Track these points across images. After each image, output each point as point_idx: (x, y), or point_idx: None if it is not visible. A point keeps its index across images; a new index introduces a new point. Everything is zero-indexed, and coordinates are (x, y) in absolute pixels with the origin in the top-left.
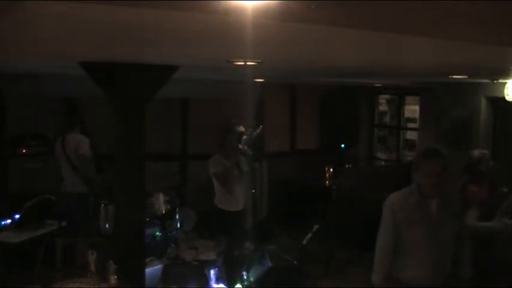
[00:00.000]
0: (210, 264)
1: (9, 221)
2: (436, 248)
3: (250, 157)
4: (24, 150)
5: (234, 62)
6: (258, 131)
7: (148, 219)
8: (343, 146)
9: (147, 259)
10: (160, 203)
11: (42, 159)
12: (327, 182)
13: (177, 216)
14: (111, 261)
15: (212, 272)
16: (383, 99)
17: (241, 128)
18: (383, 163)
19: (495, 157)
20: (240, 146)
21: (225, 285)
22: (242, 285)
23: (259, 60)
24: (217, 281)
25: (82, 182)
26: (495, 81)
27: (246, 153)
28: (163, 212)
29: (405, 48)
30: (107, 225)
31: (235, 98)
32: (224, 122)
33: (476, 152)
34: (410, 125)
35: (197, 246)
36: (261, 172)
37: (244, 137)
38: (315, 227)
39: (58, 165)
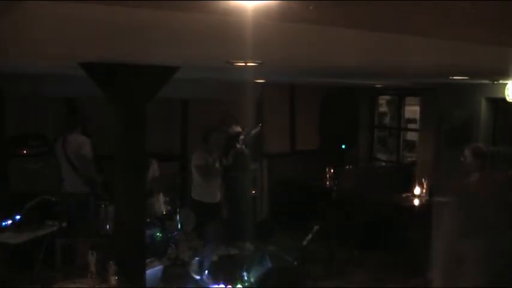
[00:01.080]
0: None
1: (9, 221)
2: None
3: (248, 156)
4: (24, 151)
5: (234, 62)
6: (256, 130)
7: (148, 219)
8: (343, 146)
9: (147, 260)
10: (161, 204)
11: (43, 160)
12: (327, 183)
13: (178, 217)
14: (111, 262)
15: (206, 272)
16: (383, 99)
17: (238, 128)
18: (383, 164)
19: (495, 157)
20: (238, 146)
21: (224, 284)
22: (242, 286)
23: (259, 61)
24: (215, 280)
25: (83, 183)
26: (495, 82)
27: (243, 152)
28: (164, 212)
29: (405, 48)
30: (107, 226)
31: (235, 98)
32: (219, 121)
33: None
34: (411, 125)
35: (197, 247)
36: (261, 172)
37: (241, 136)
38: (315, 227)
39: (58, 166)
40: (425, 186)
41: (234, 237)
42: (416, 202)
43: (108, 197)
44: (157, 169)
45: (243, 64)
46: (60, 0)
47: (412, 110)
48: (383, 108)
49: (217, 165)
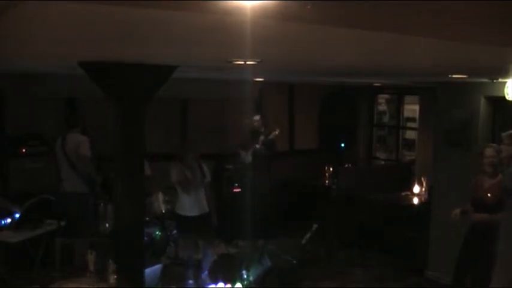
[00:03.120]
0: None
1: (8, 220)
2: None
3: (265, 159)
4: (24, 150)
5: (233, 61)
6: (275, 133)
7: (147, 218)
8: (342, 145)
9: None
10: (160, 203)
11: (42, 159)
12: (327, 182)
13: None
14: (110, 261)
15: (205, 273)
16: (382, 98)
17: (259, 126)
18: (382, 163)
19: None
20: (257, 146)
21: (224, 283)
22: (242, 285)
23: (258, 60)
24: (216, 280)
25: (82, 182)
26: (495, 81)
27: (261, 152)
28: (163, 211)
29: (405, 48)
30: (106, 225)
31: (235, 98)
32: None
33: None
34: (410, 124)
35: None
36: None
37: (261, 137)
38: (314, 226)
39: (58, 165)
40: (424, 184)
41: (234, 237)
42: (415, 201)
43: (107, 197)
44: (148, 169)
45: (242, 63)
46: (60, 0)
47: (412, 108)
48: (382, 107)
49: (196, 180)
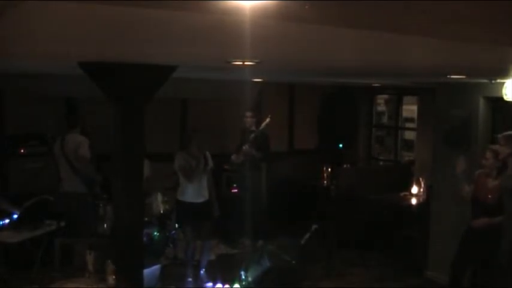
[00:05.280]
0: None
1: (7, 220)
2: None
3: (254, 158)
4: (24, 150)
5: (232, 62)
6: (267, 121)
7: (146, 219)
8: (341, 145)
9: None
10: (159, 203)
11: (42, 159)
12: (325, 182)
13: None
14: (109, 262)
15: (202, 271)
16: (381, 99)
17: (250, 124)
18: (381, 163)
19: None
20: (244, 148)
21: (222, 283)
22: (240, 285)
23: (257, 60)
24: (214, 280)
25: (81, 182)
26: (493, 81)
27: (249, 153)
28: (162, 211)
29: (405, 48)
30: (105, 225)
31: (235, 98)
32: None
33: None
34: (409, 125)
35: (196, 246)
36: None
37: (252, 135)
38: (313, 226)
39: (57, 166)
40: (423, 185)
41: (233, 236)
42: (415, 201)
43: (106, 197)
44: (149, 168)
45: (241, 63)
46: (60, 0)
47: (410, 109)
48: (381, 108)
49: (199, 168)
